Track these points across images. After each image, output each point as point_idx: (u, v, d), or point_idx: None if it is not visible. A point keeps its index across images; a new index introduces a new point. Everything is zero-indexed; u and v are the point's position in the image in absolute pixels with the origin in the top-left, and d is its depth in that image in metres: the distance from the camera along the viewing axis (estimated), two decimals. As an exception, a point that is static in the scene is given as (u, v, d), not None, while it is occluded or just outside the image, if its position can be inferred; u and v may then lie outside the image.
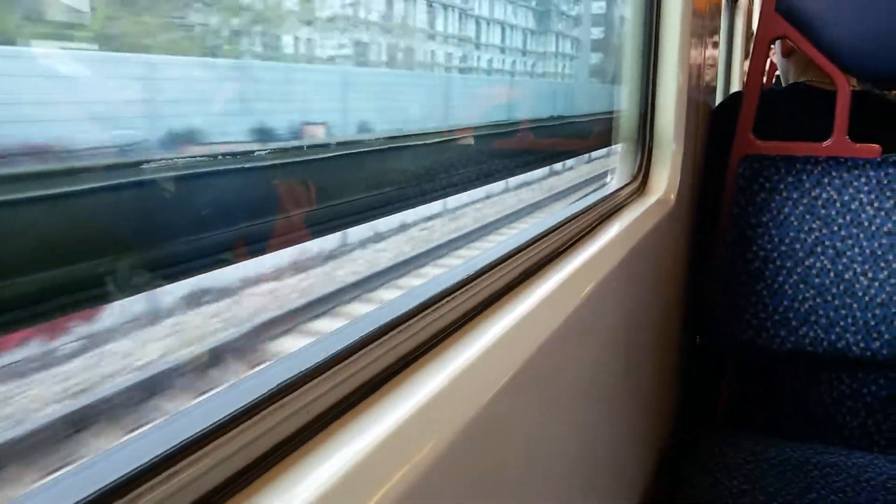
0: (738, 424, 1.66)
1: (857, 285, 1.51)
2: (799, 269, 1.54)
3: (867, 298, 1.51)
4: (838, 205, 1.53)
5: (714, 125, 1.82)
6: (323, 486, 0.46)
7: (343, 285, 3.32)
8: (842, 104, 1.53)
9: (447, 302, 0.73)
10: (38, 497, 0.40)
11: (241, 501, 0.44)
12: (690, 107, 1.59)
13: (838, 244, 1.53)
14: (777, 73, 2.13)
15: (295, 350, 0.59)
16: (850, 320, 1.51)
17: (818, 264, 1.53)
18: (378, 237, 4.14)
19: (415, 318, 0.67)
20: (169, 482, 0.42)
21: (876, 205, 1.52)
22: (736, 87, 3.72)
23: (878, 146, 1.53)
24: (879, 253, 1.51)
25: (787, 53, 1.80)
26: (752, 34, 2.06)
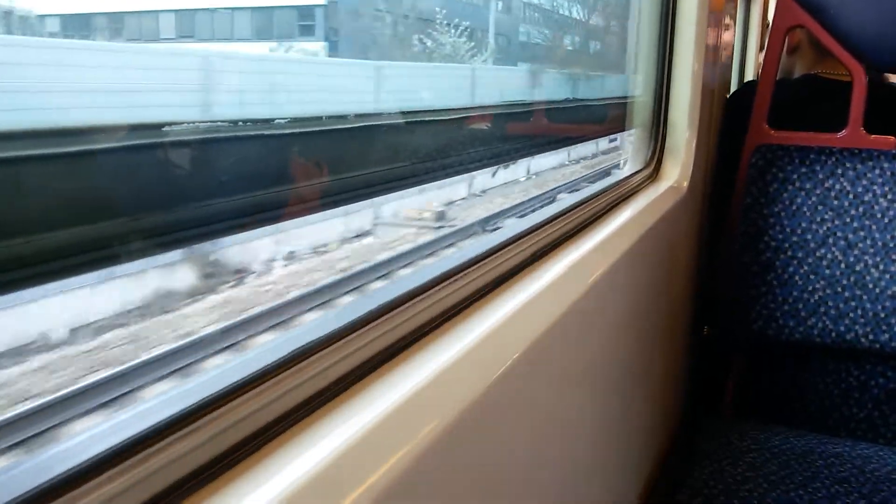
0: (744, 413, 1.66)
1: (868, 277, 1.50)
2: (810, 260, 1.53)
3: (877, 290, 1.50)
4: (851, 196, 1.52)
5: (728, 114, 1.81)
6: (322, 462, 0.46)
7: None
8: (858, 95, 1.52)
9: (454, 282, 0.73)
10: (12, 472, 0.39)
11: (241, 473, 0.44)
12: (705, 95, 1.58)
13: (850, 235, 1.52)
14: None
15: (300, 325, 0.59)
16: (859, 312, 1.51)
17: (829, 255, 1.52)
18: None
19: (420, 297, 0.67)
20: (170, 449, 0.42)
21: (889, 197, 1.51)
22: (750, 77, 3.69)
23: (893, 138, 1.52)
24: (892, 245, 1.50)
25: (793, 49, 1.78)
26: (768, 24, 2.04)
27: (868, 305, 1.50)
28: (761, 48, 3.63)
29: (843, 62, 1.53)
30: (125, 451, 0.40)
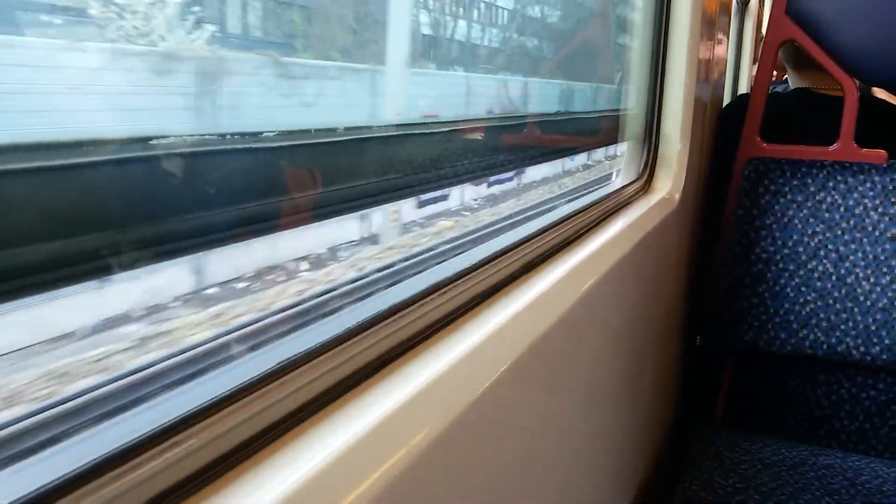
0: (735, 424, 1.67)
1: (859, 290, 1.51)
2: (801, 272, 1.54)
3: (868, 303, 1.51)
4: (842, 209, 1.53)
5: (720, 127, 1.82)
6: (314, 469, 0.46)
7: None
8: (849, 109, 1.53)
9: (447, 291, 0.73)
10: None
11: (233, 479, 0.44)
12: (698, 107, 1.59)
13: (841, 248, 1.53)
14: (786, 76, 2.13)
15: (293, 333, 0.59)
16: (850, 324, 1.51)
17: (820, 268, 1.53)
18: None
19: (414, 306, 0.68)
20: (162, 457, 0.42)
21: (880, 210, 1.52)
22: (744, 90, 3.71)
23: (884, 152, 1.53)
24: (882, 258, 1.51)
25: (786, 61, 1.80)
26: (762, 37, 2.06)
27: (859, 318, 1.51)
28: (755, 61, 3.66)
29: (835, 76, 1.54)
30: (121, 455, 0.40)
